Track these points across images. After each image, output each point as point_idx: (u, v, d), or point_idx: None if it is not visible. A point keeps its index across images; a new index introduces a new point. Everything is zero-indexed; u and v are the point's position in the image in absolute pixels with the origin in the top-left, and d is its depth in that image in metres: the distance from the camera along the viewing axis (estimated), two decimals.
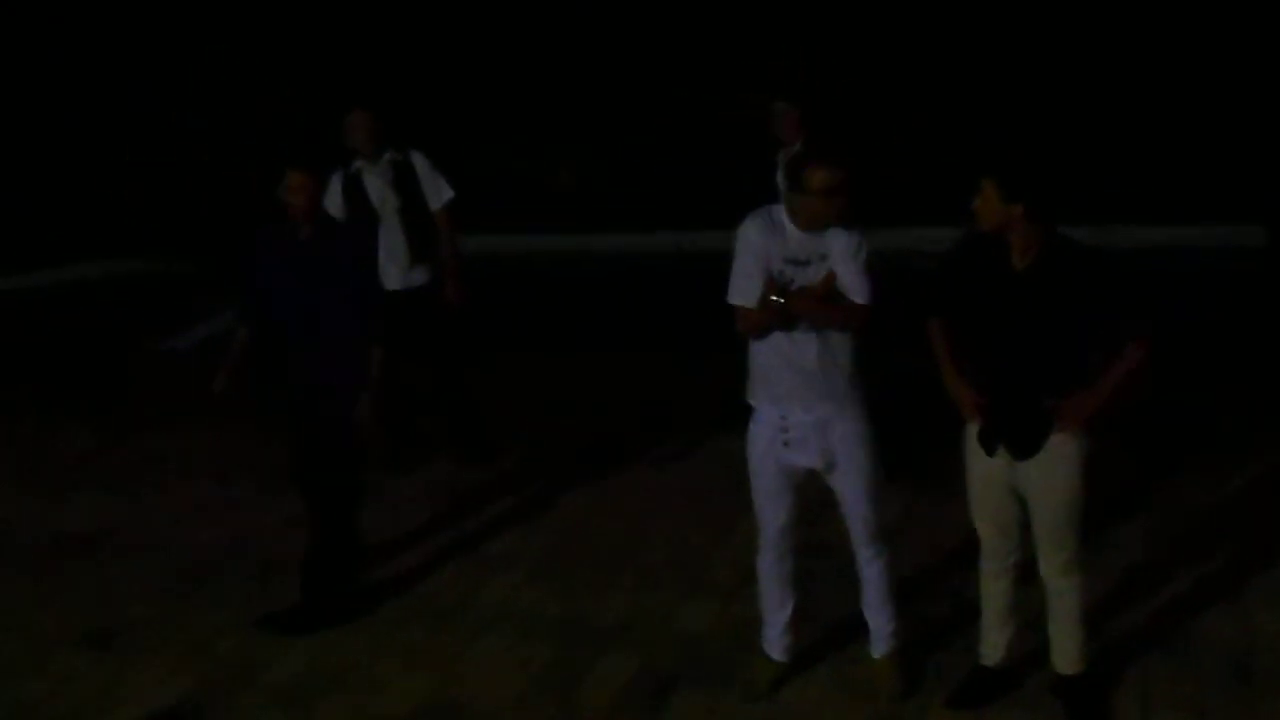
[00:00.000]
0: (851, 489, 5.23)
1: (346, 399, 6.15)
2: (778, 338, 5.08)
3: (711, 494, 7.07)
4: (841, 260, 5.01)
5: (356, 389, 6.16)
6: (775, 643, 5.55)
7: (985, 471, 5.07)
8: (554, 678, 5.80)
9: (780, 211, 5.07)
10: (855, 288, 5.02)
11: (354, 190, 7.79)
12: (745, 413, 5.31)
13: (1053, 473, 4.91)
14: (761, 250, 5.04)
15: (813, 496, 5.38)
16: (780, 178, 6.85)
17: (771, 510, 5.34)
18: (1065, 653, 5.22)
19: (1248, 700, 5.26)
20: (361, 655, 6.11)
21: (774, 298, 4.99)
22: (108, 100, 13.97)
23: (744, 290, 5.08)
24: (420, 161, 7.88)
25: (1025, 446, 4.93)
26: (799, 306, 5.01)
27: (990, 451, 5.02)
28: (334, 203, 7.87)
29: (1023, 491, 5.01)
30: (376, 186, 7.79)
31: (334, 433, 6.21)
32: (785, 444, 5.17)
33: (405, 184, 7.82)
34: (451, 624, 6.35)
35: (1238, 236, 11.77)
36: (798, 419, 5.14)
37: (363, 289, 6.25)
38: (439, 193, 7.89)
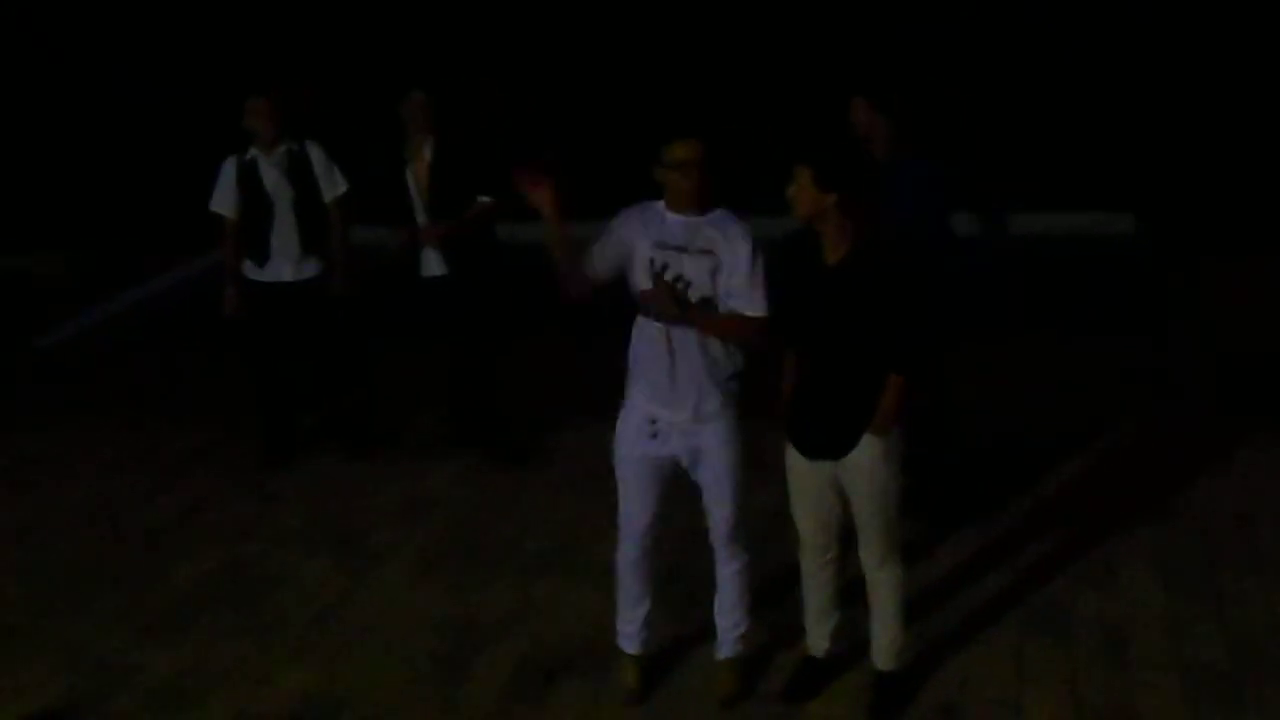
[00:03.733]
0: (715, 488, 5.21)
1: None
2: (657, 335, 5.04)
3: (596, 484, 7.08)
4: (736, 269, 4.96)
5: None
6: (634, 637, 5.54)
7: (806, 471, 5.13)
8: (438, 672, 5.79)
9: (661, 205, 5.04)
10: (748, 299, 4.98)
11: (248, 178, 7.70)
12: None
13: (861, 470, 4.99)
14: (625, 232, 5.03)
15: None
16: None
17: (637, 503, 5.29)
18: (879, 648, 5.33)
19: (1120, 674, 5.40)
20: (243, 653, 6.05)
21: (674, 309, 4.94)
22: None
23: (597, 255, 5.08)
24: (316, 153, 7.78)
25: (838, 445, 4.99)
26: (695, 321, 4.97)
27: (806, 454, 5.09)
28: (227, 190, 7.78)
29: (845, 485, 5.08)
30: (271, 176, 7.70)
31: None
32: (652, 435, 5.15)
33: (300, 175, 7.74)
34: (334, 620, 6.30)
35: (1107, 224, 12.03)
36: (666, 417, 5.11)
37: None
38: (334, 185, 7.81)
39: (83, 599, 6.65)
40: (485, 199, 7.67)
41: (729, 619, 5.45)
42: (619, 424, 5.28)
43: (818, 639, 5.45)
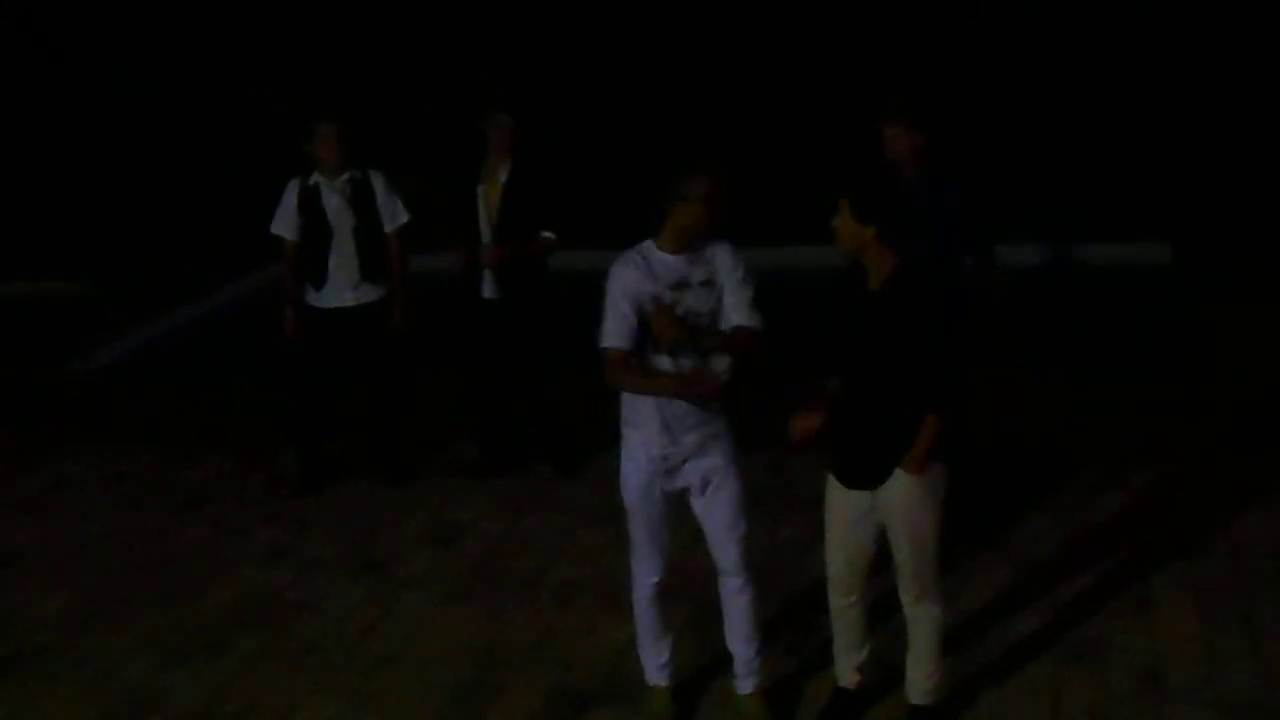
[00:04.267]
0: (723, 513, 5.19)
1: None
2: (671, 369, 5.03)
3: (623, 510, 7.10)
4: (731, 285, 5.01)
5: None
6: (660, 671, 5.51)
7: (843, 503, 5.09)
8: (467, 700, 5.77)
9: (648, 247, 5.01)
10: (745, 313, 5.02)
11: (310, 203, 7.74)
12: None
13: (897, 505, 4.95)
14: (634, 291, 4.93)
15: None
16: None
17: (656, 543, 5.26)
18: (914, 683, 5.26)
19: (1156, 707, 5.33)
20: (272, 680, 6.04)
21: (679, 328, 4.93)
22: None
23: (617, 335, 4.97)
24: (379, 182, 7.83)
25: (873, 475, 4.96)
26: (705, 344, 4.98)
27: (844, 482, 5.06)
28: (288, 214, 7.81)
29: (883, 520, 5.04)
30: (334, 202, 7.73)
31: None
32: (666, 472, 5.13)
33: (362, 203, 7.77)
34: (363, 647, 6.29)
35: (1143, 254, 11.97)
36: (676, 451, 5.09)
37: None
38: (394, 215, 7.84)
39: (112, 624, 6.66)
40: (549, 234, 7.70)
41: (748, 649, 5.41)
42: (625, 470, 5.23)
43: (847, 671, 5.40)
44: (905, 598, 5.14)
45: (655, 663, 5.49)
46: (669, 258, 4.99)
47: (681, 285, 4.98)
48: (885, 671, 5.43)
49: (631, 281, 4.95)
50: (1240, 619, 5.95)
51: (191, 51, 13.47)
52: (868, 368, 4.90)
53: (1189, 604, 6.12)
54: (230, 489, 8.30)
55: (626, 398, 5.14)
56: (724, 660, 5.66)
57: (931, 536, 5.00)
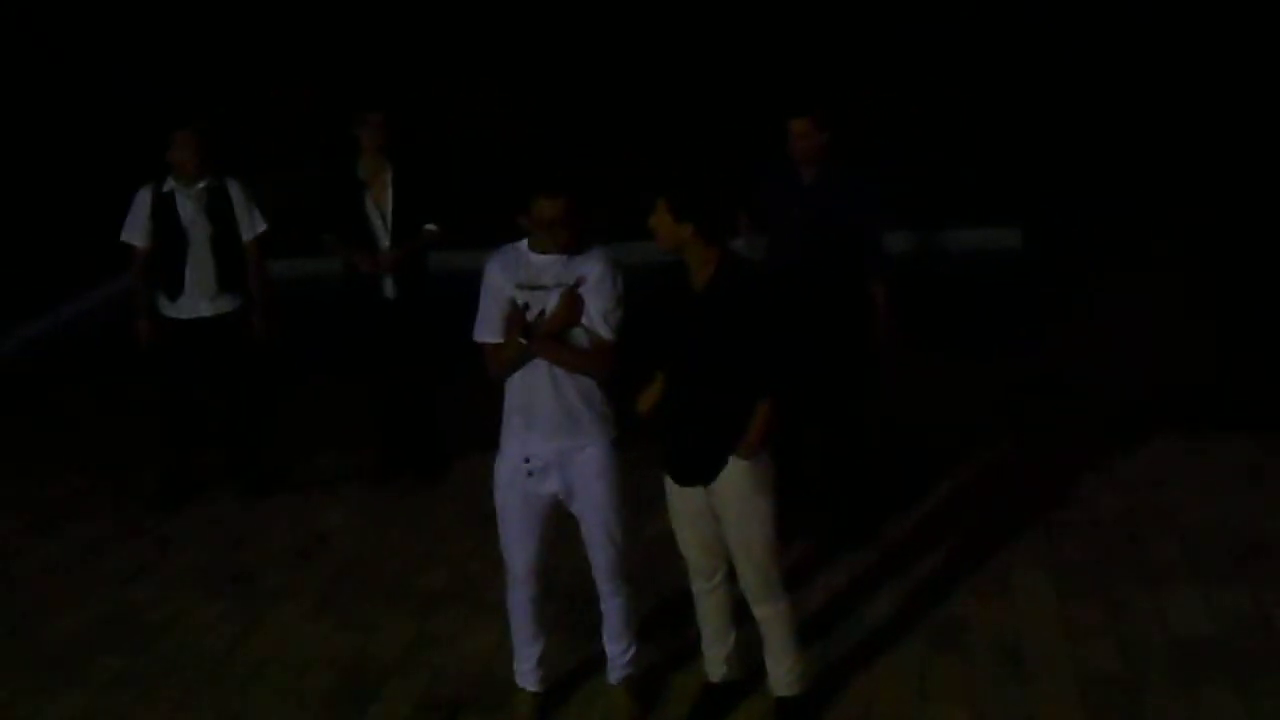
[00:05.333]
0: (591, 521, 5.20)
1: None
2: (520, 370, 5.05)
3: (489, 518, 7.06)
4: (592, 291, 4.98)
5: None
6: (530, 675, 5.50)
7: (682, 501, 5.14)
8: (337, 712, 5.70)
9: (523, 245, 5.07)
10: (599, 323, 5.00)
11: (164, 210, 7.58)
12: None
13: (729, 499, 4.99)
14: (499, 285, 5.03)
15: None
16: None
17: (520, 545, 5.25)
18: (776, 677, 5.30)
19: (1018, 686, 5.44)
20: (135, 702, 5.91)
21: (520, 339, 4.95)
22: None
23: (486, 328, 5.06)
24: (236, 191, 7.69)
25: (706, 470, 4.99)
26: (540, 350, 4.97)
27: (678, 480, 5.10)
28: (139, 221, 7.66)
29: (719, 514, 5.07)
30: (188, 210, 7.58)
31: None
32: (529, 474, 5.12)
33: (218, 211, 7.63)
34: (229, 663, 6.18)
35: (995, 239, 12.20)
36: (538, 450, 5.08)
37: None
38: (253, 224, 7.72)
39: None
40: (432, 227, 7.74)
41: (618, 645, 5.45)
42: (496, 468, 5.24)
43: (715, 664, 5.43)
44: (750, 598, 5.17)
45: (525, 666, 5.48)
46: (537, 258, 5.02)
47: (536, 287, 4.99)
48: (753, 665, 5.45)
49: (495, 277, 5.05)
50: (1098, 595, 6.09)
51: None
52: (696, 366, 4.94)
53: (1047, 581, 6.25)
54: (86, 506, 8.09)
55: (504, 405, 5.15)
56: (596, 659, 5.67)
57: (768, 526, 5.03)
